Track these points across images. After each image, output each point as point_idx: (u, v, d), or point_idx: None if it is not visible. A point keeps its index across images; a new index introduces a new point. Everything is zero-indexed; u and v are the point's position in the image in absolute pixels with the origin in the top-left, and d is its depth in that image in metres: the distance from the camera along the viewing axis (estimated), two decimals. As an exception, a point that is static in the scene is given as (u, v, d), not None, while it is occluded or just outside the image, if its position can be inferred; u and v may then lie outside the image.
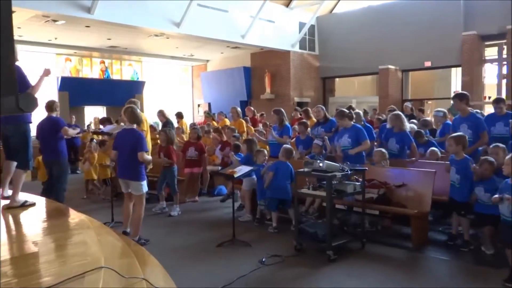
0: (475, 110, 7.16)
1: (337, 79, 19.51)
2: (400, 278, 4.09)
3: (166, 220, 6.55)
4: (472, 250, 4.75)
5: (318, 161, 4.66)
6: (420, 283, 3.98)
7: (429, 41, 14.94)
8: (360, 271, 4.25)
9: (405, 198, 5.21)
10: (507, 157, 4.12)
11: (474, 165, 4.72)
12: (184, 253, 4.92)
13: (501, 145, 4.95)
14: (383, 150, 5.88)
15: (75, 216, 3.46)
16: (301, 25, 17.47)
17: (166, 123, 8.82)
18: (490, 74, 16.00)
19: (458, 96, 5.84)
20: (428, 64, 15.51)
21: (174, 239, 5.49)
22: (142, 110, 8.59)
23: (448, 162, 4.98)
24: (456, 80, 16.48)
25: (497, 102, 6.05)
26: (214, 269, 4.40)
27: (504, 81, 14.52)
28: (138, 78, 19.25)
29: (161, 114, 9.05)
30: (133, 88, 17.14)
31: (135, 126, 5.11)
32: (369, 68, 16.48)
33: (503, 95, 14.25)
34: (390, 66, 15.88)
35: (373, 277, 4.11)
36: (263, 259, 4.52)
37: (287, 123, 7.25)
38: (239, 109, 9.59)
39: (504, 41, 14.09)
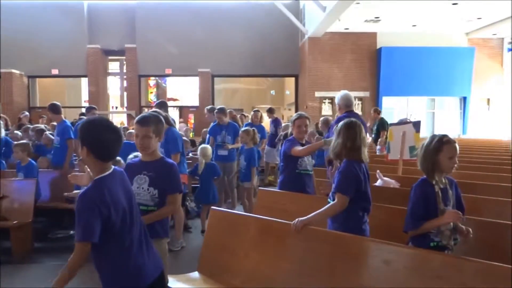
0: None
1: None
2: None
3: None
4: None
5: None
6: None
7: (56, 49, 14.93)
8: None
9: (8, 210, 5.03)
10: None
11: None
12: None
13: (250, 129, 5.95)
14: None
15: None
16: None
17: None
18: (114, 86, 17.63)
19: (50, 109, 6.22)
20: (55, 72, 15.45)
21: None
22: None
23: None
24: (86, 89, 17.15)
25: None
26: None
27: (125, 93, 16.35)
28: None
29: None
30: None
31: None
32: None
33: (125, 106, 16.10)
34: (13, 71, 14.77)
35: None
36: None
37: None
38: None
39: (124, 57, 15.89)
